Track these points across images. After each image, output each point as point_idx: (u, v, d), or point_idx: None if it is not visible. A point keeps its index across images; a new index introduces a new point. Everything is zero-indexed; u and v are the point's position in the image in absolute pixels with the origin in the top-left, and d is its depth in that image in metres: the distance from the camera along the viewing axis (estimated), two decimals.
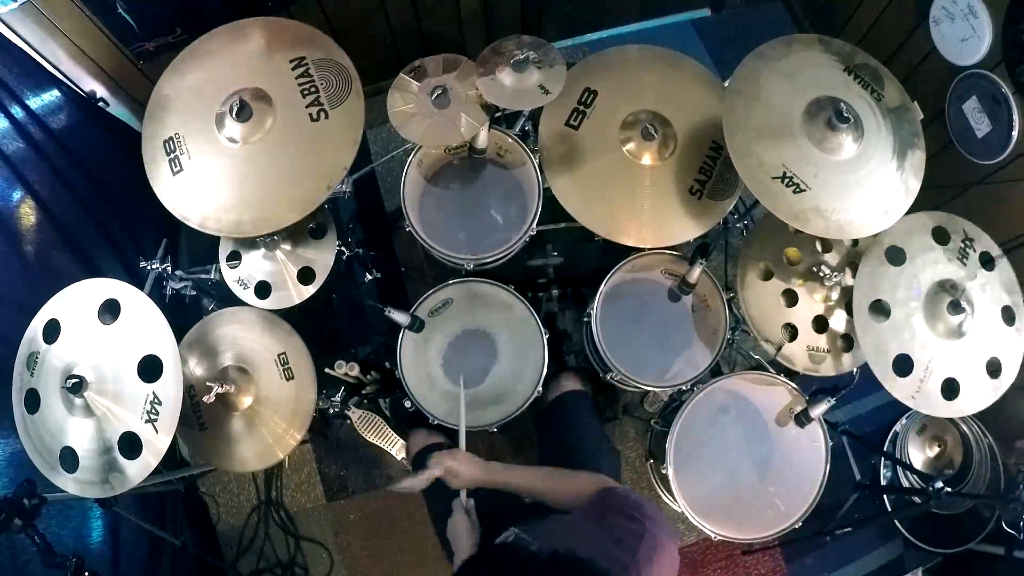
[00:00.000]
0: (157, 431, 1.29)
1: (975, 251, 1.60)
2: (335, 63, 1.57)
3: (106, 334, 1.36)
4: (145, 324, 1.35)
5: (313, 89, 1.55)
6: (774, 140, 1.50)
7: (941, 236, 1.59)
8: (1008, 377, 1.56)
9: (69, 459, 1.34)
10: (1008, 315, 1.59)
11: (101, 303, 1.38)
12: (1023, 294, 1.62)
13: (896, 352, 1.50)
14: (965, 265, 1.58)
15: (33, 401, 1.38)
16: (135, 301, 1.37)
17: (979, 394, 1.54)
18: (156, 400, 1.30)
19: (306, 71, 1.56)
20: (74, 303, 1.40)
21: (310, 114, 1.53)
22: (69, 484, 1.34)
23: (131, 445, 1.31)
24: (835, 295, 1.67)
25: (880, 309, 1.52)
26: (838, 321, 1.71)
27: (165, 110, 1.56)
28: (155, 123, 1.56)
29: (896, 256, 1.55)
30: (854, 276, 1.56)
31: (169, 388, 1.31)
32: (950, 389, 1.52)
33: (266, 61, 1.58)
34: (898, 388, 1.49)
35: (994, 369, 1.55)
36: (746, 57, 1.57)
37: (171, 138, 1.53)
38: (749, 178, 1.48)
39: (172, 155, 1.52)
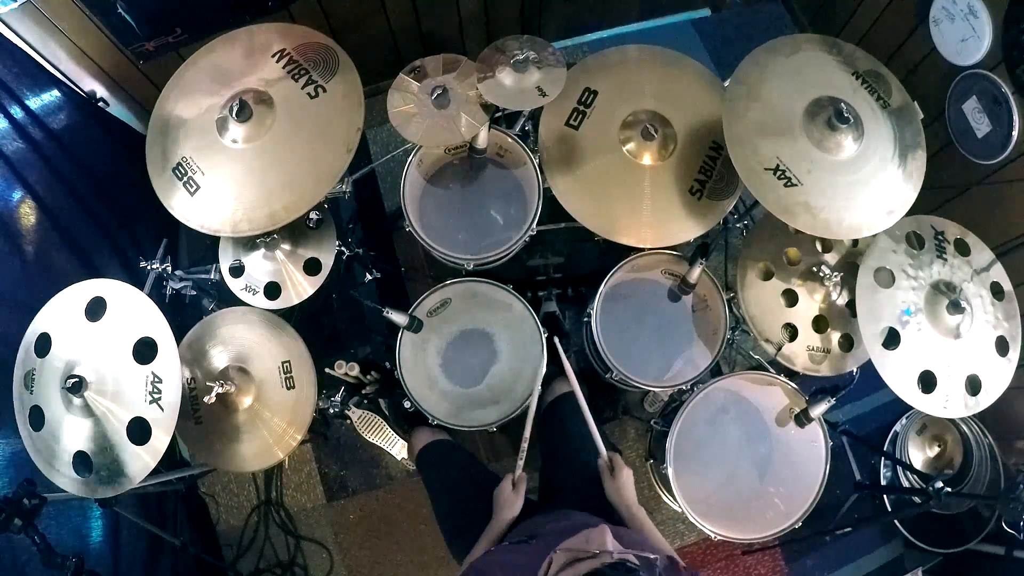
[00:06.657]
0: (163, 409, 1.29)
1: (949, 241, 1.60)
2: (314, 43, 1.62)
3: (96, 331, 1.36)
4: (131, 310, 1.36)
5: (303, 71, 1.59)
6: (772, 134, 1.51)
7: (916, 241, 1.59)
8: (1015, 349, 1.57)
9: (81, 463, 1.34)
10: (997, 290, 1.59)
11: (87, 304, 1.38)
12: (999, 262, 1.63)
13: (918, 372, 1.49)
14: (946, 260, 1.58)
15: (38, 418, 1.37)
16: (117, 292, 1.38)
17: (998, 377, 1.54)
18: (156, 379, 1.30)
19: (290, 59, 1.61)
20: (60, 312, 1.41)
21: (308, 93, 1.57)
22: (69, 484, 1.34)
23: (141, 431, 1.30)
24: (835, 295, 1.67)
25: (891, 336, 1.50)
26: (838, 321, 1.70)
27: (166, 138, 1.58)
28: (159, 152, 1.57)
29: (885, 278, 1.55)
30: (854, 276, 1.56)
31: (167, 364, 1.31)
32: (974, 385, 1.52)
33: (250, 65, 1.62)
34: (929, 404, 1.48)
35: (1003, 347, 1.55)
36: (752, 51, 1.58)
37: (180, 163, 1.55)
38: (743, 167, 1.48)
39: (185, 178, 1.54)
